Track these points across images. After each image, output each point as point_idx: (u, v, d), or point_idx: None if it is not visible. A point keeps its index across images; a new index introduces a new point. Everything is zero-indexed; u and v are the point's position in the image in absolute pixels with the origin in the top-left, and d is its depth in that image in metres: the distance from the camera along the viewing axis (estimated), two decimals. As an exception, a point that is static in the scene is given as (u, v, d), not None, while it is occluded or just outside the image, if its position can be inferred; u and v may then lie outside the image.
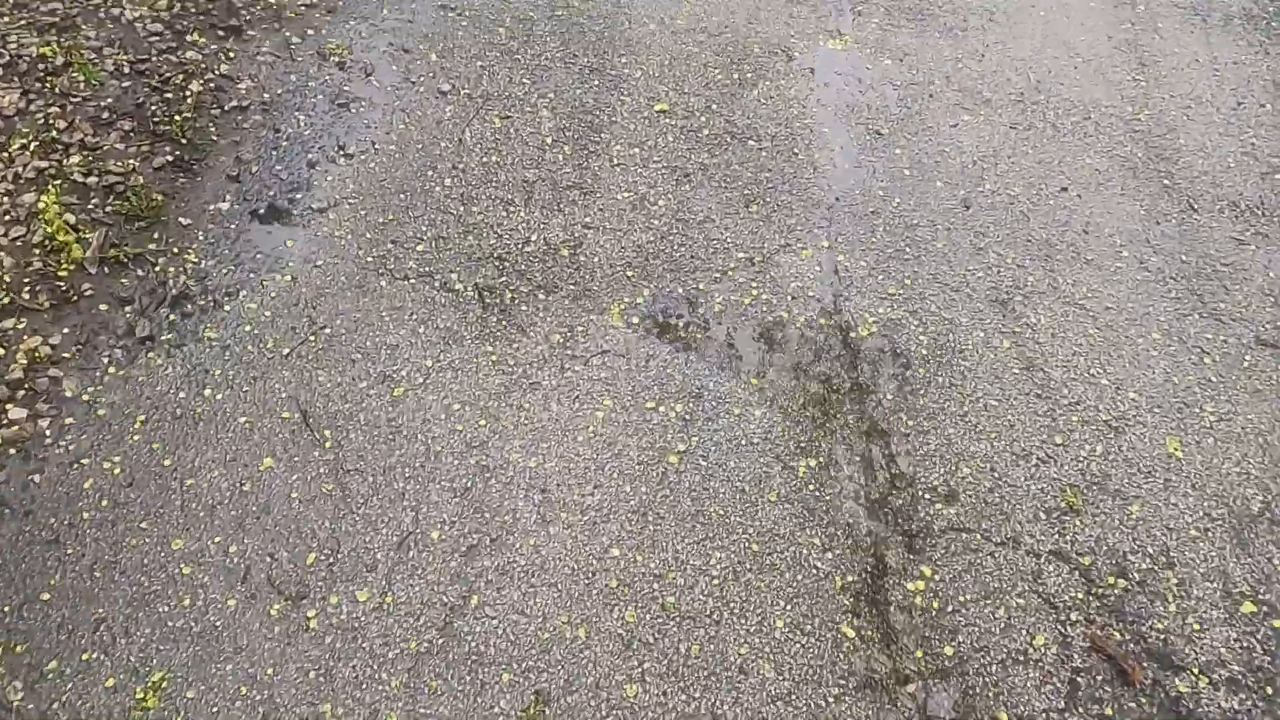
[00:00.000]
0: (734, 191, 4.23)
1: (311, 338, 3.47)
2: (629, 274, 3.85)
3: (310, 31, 4.65)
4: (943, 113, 4.76)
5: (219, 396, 3.30)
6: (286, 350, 3.44)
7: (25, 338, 3.30)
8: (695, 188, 4.22)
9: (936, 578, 3.14)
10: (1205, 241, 4.34)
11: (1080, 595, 3.13)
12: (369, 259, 3.77)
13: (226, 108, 4.18)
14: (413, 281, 3.71)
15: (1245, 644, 3.04)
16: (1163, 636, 3.02)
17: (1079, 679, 2.95)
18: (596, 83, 4.62)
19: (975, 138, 4.65)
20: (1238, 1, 5.69)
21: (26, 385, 3.19)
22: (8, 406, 3.12)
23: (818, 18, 5.20)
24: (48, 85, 4.09)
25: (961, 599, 3.08)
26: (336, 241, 3.80)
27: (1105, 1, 5.56)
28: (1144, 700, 2.91)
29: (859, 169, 4.42)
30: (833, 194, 4.30)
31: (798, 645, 2.92)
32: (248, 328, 3.50)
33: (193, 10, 4.53)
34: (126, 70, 4.20)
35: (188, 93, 4.16)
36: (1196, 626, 3.06)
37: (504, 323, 3.62)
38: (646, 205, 4.10)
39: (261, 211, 3.87)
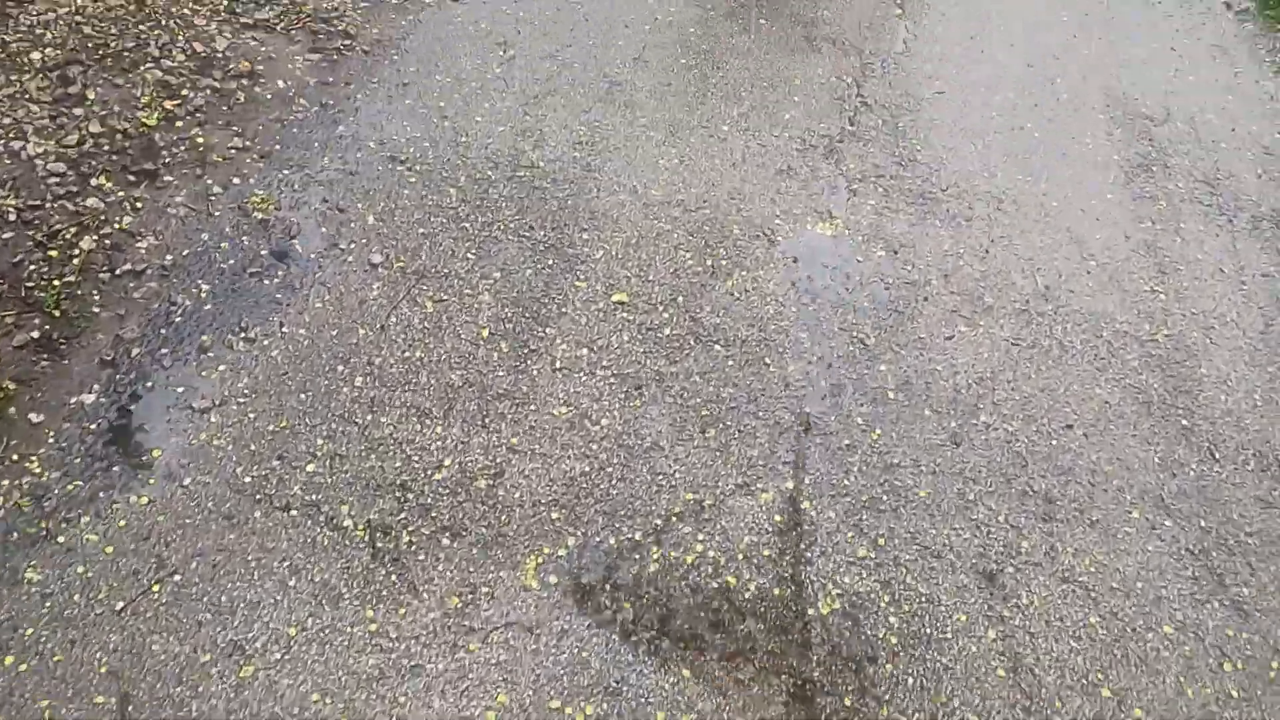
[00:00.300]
0: (690, 411, 3.69)
1: (155, 587, 2.89)
2: (554, 516, 3.29)
3: (235, 180, 4.15)
4: (938, 321, 4.25)
5: (22, 668, 2.70)
6: (121, 604, 2.86)
7: None
8: (646, 404, 3.69)
9: None
10: (1227, 502, 3.79)
11: None
12: (247, 480, 3.21)
13: (118, 271, 3.66)
14: (294, 514, 3.14)
15: None
16: None
17: None
18: (551, 262, 4.11)
19: (972, 354, 4.13)
20: (1268, 201, 5.24)
21: None
22: None
23: (808, 195, 4.73)
24: (-84, 233, 3.60)
25: None
26: (213, 454, 3.25)
27: (1124, 193, 5.11)
28: None
29: (838, 388, 3.89)
30: (805, 419, 3.77)
31: None
32: (81, 569, 2.92)
33: (106, 148, 4.04)
34: (13, 218, 3.68)
35: (77, 251, 3.63)
36: None
37: (394, 577, 3.05)
38: (586, 425, 3.56)
39: (132, 409, 3.33)
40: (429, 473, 3.31)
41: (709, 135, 4.93)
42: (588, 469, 3.42)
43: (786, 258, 4.40)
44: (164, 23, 4.65)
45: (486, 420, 3.49)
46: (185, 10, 4.73)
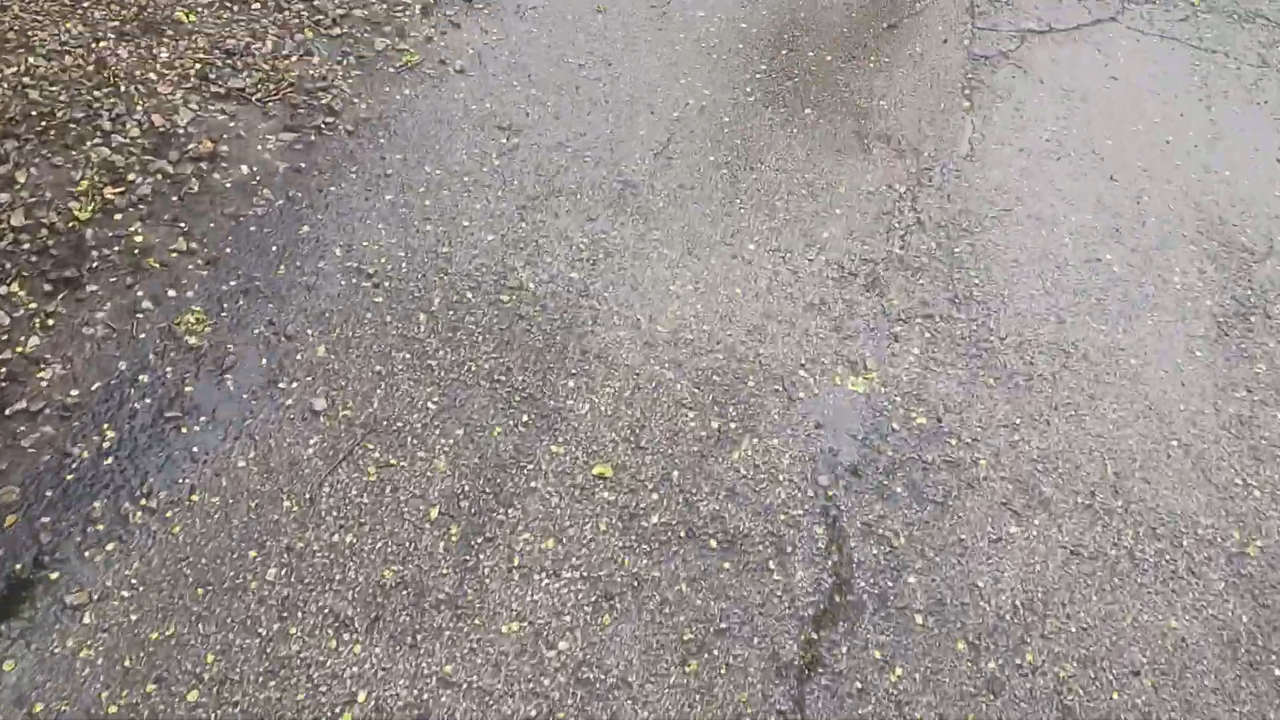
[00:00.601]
0: (670, 632, 3.05)
1: None
2: (483, 782, 2.70)
3: (171, 293, 3.59)
4: (984, 516, 3.56)
5: None
6: None
7: None
8: (618, 620, 3.06)
9: None
10: (1329, 793, 3.09)
11: None
12: (112, 710, 2.62)
13: (10, 410, 3.09)
14: (161, 763, 2.59)
15: None
16: None
17: None
18: (525, 418, 3.50)
19: (1022, 565, 3.44)
20: (1388, 370, 4.47)
21: None
22: None
23: (840, 338, 4.07)
24: None
25: None
26: (77, 670, 2.68)
27: (1216, 351, 4.36)
28: None
29: (855, 607, 3.23)
30: (810, 649, 3.12)
31: None
32: (-119, 834, 2.41)
33: (27, 247, 3.49)
34: (-100, 335, 3.20)
35: (-35, 382, 3.14)
36: None
37: None
38: (541, 648, 2.94)
39: (-9, 600, 2.80)
40: (337, 710, 2.71)
41: (732, 256, 4.27)
42: (534, 713, 2.79)
43: (808, 422, 3.74)
44: (123, 89, 4.11)
45: (418, 637, 2.89)
46: (150, 75, 4.19)
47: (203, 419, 3.24)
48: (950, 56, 5.78)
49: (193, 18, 4.47)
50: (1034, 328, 4.28)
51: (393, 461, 3.25)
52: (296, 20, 4.68)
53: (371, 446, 3.27)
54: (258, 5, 4.69)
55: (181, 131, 4.04)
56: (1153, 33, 6.41)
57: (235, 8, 4.68)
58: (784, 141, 4.89)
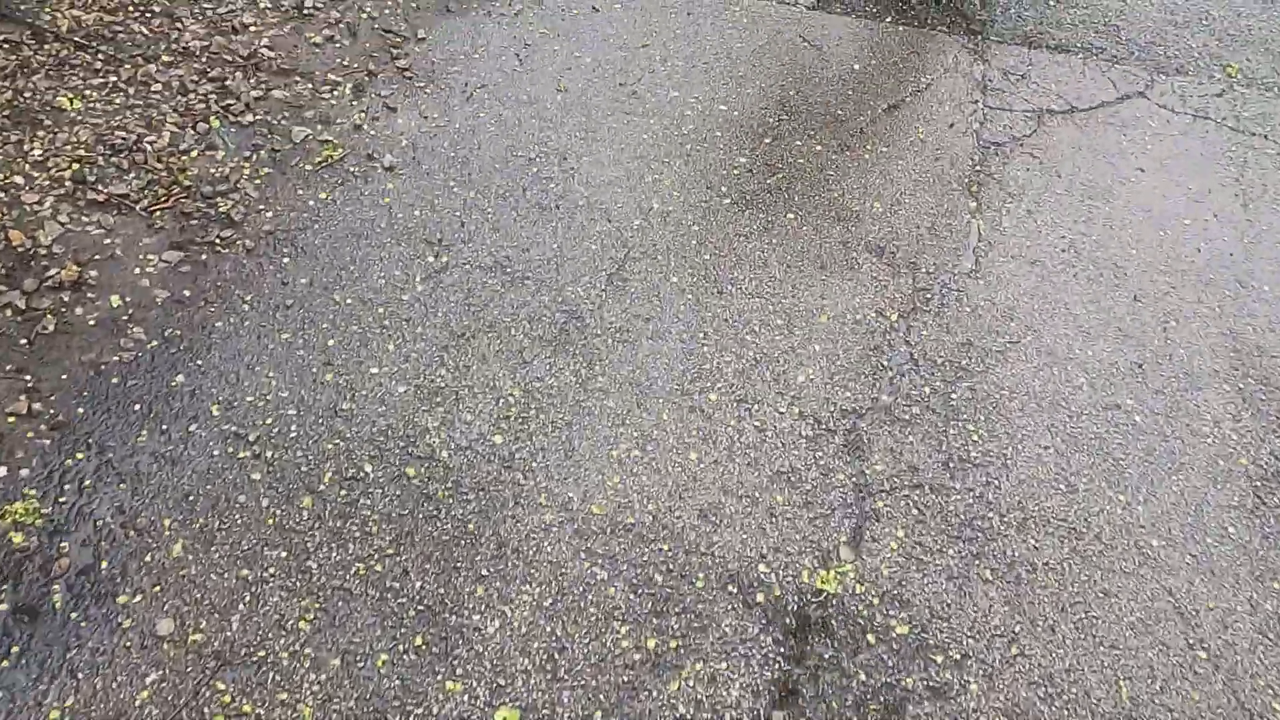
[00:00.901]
0: None
1: None
2: None
3: (1, 472, 3.06)
4: (971, 764, 2.99)
5: None
6: None
7: None
8: None
9: None
10: None
11: None
12: None
13: None
14: None
15: None
16: None
17: None
18: (419, 642, 2.91)
19: (1016, 837, 2.87)
20: None
21: None
22: None
23: (811, 517, 3.46)
24: None
25: None
26: None
27: (1250, 527, 3.72)
28: None
29: None
30: None
31: None
32: None
33: None
34: None
35: None
36: None
37: None
38: None
39: None
40: None
41: (690, 408, 3.66)
42: None
43: (766, 637, 3.13)
44: (-21, 198, 3.57)
45: None
46: (16, 178, 3.59)
47: (14, 650, 2.66)
48: (957, 144, 5.14)
49: (78, 104, 3.88)
50: (1040, 499, 3.66)
51: (245, 708, 2.66)
52: (202, 105, 4.09)
53: (222, 687, 2.69)
54: (158, 88, 4.10)
55: (44, 252, 3.44)
56: (1185, 111, 5.76)
57: (131, 91, 4.10)
58: (759, 255, 4.26)
